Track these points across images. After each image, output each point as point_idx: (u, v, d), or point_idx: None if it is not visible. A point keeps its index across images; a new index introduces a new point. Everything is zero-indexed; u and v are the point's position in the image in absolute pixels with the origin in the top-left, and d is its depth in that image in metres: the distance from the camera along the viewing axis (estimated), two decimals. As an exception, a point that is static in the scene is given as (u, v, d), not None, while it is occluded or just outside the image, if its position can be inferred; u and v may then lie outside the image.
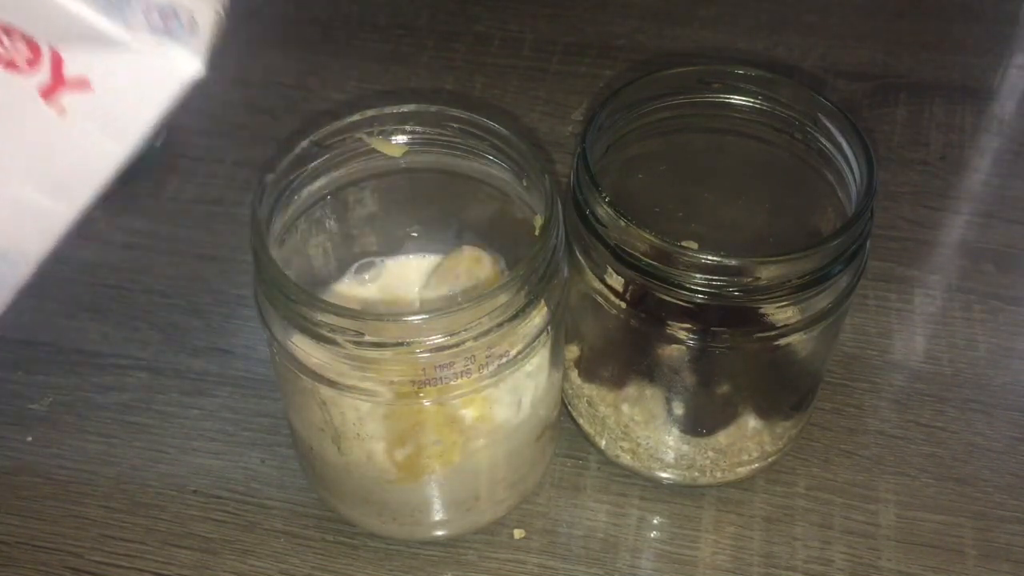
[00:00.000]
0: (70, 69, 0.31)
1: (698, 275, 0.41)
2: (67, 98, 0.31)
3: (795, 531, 0.49)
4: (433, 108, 0.45)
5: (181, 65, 0.33)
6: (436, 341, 0.39)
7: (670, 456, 0.49)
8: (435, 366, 0.40)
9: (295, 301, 0.39)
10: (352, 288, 0.50)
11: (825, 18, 0.77)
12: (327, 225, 0.48)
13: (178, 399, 0.55)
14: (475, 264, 0.48)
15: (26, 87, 0.31)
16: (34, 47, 0.30)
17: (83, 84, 0.31)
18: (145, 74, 0.32)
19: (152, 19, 0.32)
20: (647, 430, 0.49)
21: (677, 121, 0.48)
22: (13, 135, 0.32)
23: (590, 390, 0.50)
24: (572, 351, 0.50)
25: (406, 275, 0.51)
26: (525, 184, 0.45)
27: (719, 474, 0.50)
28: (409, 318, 0.40)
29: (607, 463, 0.52)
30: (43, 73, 0.31)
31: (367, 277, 0.51)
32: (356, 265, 0.51)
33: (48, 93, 0.31)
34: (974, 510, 0.50)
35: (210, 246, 0.62)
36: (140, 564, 0.48)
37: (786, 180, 0.49)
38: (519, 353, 0.42)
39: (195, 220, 0.64)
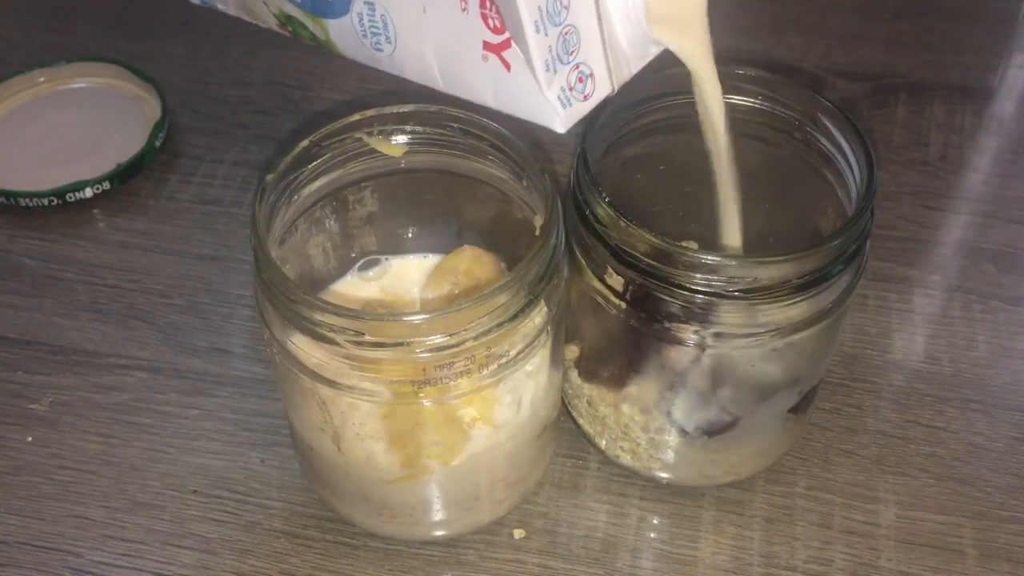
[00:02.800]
0: (508, 56, 0.38)
1: (698, 275, 0.41)
2: (490, 58, 0.39)
3: (795, 531, 0.49)
4: (433, 108, 0.45)
5: (552, 118, 0.39)
6: (436, 341, 0.39)
7: (670, 456, 0.49)
8: (435, 366, 0.40)
9: (295, 301, 0.39)
10: (354, 286, 0.51)
11: (825, 18, 0.78)
12: (327, 225, 0.48)
13: (178, 399, 0.55)
14: (475, 264, 0.48)
15: (477, 36, 0.38)
16: (499, 30, 0.38)
17: (507, 67, 0.38)
18: (531, 96, 0.39)
19: (571, 77, 0.39)
20: (647, 430, 0.49)
21: (677, 121, 0.48)
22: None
23: (590, 390, 0.50)
24: (572, 351, 0.50)
25: (406, 275, 0.51)
26: (525, 184, 0.45)
27: (719, 474, 0.50)
28: (409, 318, 0.40)
29: (607, 463, 0.52)
30: (496, 39, 0.38)
31: (371, 274, 0.51)
32: (361, 262, 0.51)
33: (486, 47, 0.38)
34: (974, 510, 0.50)
35: (210, 246, 0.62)
36: (140, 564, 0.48)
37: (786, 180, 0.49)
38: (519, 353, 0.42)
39: (195, 220, 0.64)
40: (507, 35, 0.37)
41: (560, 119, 0.39)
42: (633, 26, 0.39)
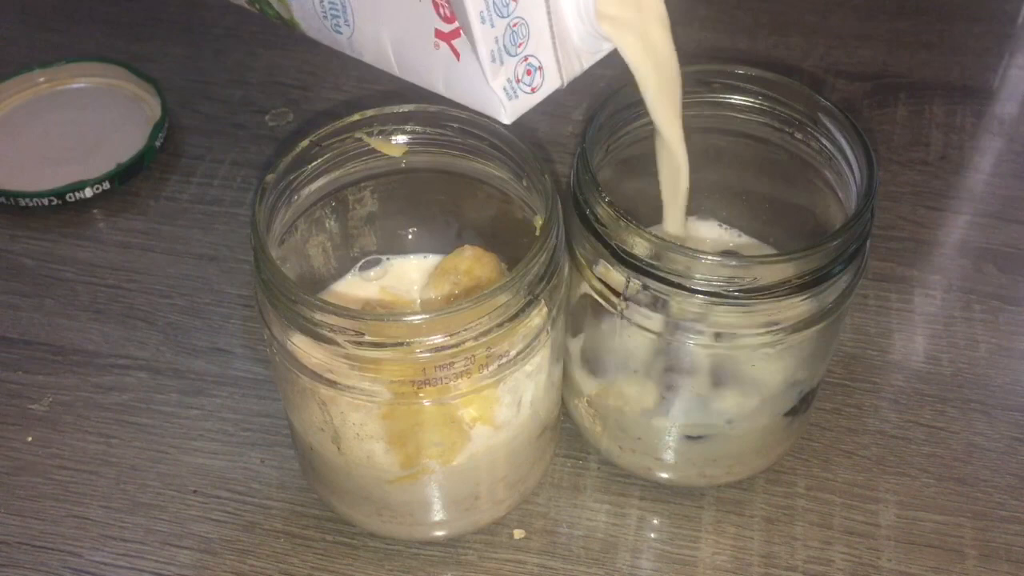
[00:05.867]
0: (458, 45, 0.39)
1: (698, 275, 0.41)
2: (442, 46, 0.39)
3: (795, 531, 0.49)
4: (433, 108, 0.45)
5: (497, 108, 0.40)
6: (436, 341, 0.39)
7: (670, 456, 0.49)
8: (435, 366, 0.40)
9: (295, 301, 0.39)
10: (354, 286, 0.51)
11: (825, 18, 0.78)
12: (327, 225, 0.48)
13: (178, 399, 0.55)
14: (476, 264, 0.48)
15: (430, 23, 0.39)
16: (450, 19, 0.38)
17: (457, 55, 0.39)
18: (478, 85, 0.39)
19: (519, 70, 0.39)
20: (647, 430, 0.49)
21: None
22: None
23: (590, 389, 0.50)
24: (572, 350, 0.50)
25: (407, 275, 0.51)
26: (525, 184, 0.45)
27: (719, 474, 0.50)
28: (409, 318, 0.40)
29: (607, 463, 0.52)
30: (447, 28, 0.39)
31: (371, 274, 0.51)
32: (361, 262, 0.51)
33: (438, 35, 0.39)
34: (974, 510, 0.50)
35: (210, 246, 0.62)
36: (140, 564, 0.48)
37: (786, 180, 0.49)
38: (519, 353, 0.42)
39: (195, 220, 0.64)
40: (457, 24, 0.38)
41: (505, 110, 0.40)
42: (584, 22, 0.40)
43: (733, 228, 0.52)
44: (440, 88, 0.41)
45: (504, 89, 0.39)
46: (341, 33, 0.42)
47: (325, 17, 0.42)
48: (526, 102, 0.40)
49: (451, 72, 0.40)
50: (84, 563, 0.48)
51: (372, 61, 0.42)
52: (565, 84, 0.41)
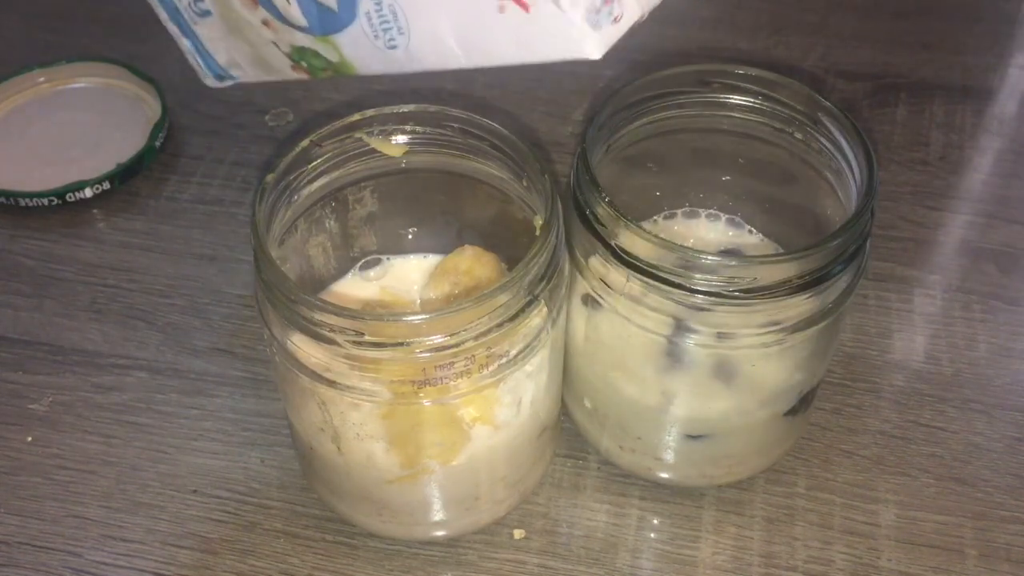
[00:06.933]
0: None
1: (698, 275, 0.41)
2: (507, 5, 0.37)
3: (795, 531, 0.49)
4: (433, 108, 0.45)
5: (582, 44, 0.37)
6: (436, 341, 0.39)
7: (670, 456, 0.49)
8: (435, 366, 0.40)
9: (295, 301, 0.39)
10: (354, 286, 0.51)
11: (825, 18, 0.78)
12: (327, 225, 0.48)
13: (178, 399, 0.55)
14: (476, 263, 0.48)
15: None
16: None
17: (526, 7, 0.37)
18: (558, 28, 0.37)
19: (595, 1, 0.37)
20: (648, 429, 0.49)
21: (677, 121, 0.48)
22: None
23: (590, 389, 0.50)
24: (573, 349, 0.50)
25: (407, 275, 0.51)
26: (525, 184, 0.45)
27: (719, 474, 0.50)
28: (409, 318, 0.40)
29: (607, 463, 0.52)
30: None
31: (372, 274, 0.51)
32: (361, 262, 0.51)
33: None
34: (974, 510, 0.50)
35: (210, 246, 0.62)
36: (140, 564, 0.48)
37: (786, 180, 0.49)
38: (519, 353, 0.42)
39: (195, 220, 0.64)
40: None
41: (592, 42, 0.37)
42: None
43: (743, 226, 0.52)
44: (512, 55, 0.38)
45: (586, 20, 0.37)
46: (397, 47, 0.40)
47: (377, 36, 0.40)
48: (611, 33, 0.38)
49: (523, 29, 0.37)
50: (84, 563, 0.48)
51: (434, 64, 0.40)
52: (645, 15, 0.39)
